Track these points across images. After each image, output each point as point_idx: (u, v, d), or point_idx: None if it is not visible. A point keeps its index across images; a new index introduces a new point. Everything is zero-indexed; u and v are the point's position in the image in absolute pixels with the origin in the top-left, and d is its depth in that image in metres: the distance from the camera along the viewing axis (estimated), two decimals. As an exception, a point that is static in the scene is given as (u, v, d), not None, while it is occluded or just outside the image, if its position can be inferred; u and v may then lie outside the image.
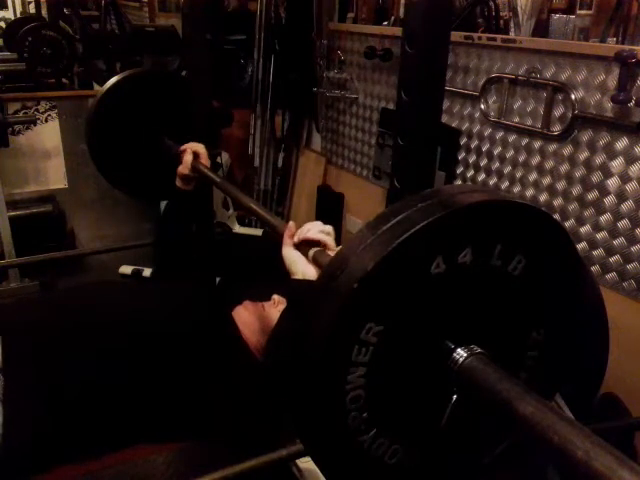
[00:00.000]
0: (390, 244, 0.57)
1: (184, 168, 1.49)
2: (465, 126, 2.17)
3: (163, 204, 1.95)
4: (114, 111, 1.82)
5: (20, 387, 1.09)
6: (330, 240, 1.03)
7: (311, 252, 1.02)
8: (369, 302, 0.59)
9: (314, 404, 0.63)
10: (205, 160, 1.51)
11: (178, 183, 1.52)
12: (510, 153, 2.01)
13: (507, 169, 2.03)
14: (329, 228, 1.05)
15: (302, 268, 1.01)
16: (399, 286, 0.60)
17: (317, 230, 1.03)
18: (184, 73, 2.72)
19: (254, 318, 1.34)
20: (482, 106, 2.06)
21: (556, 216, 1.87)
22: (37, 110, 2.79)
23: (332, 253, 0.99)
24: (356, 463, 0.67)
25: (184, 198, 1.56)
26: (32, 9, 4.47)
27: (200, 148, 1.52)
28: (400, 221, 0.59)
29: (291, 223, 1.06)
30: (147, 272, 2.72)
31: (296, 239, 1.03)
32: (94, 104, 1.83)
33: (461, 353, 0.64)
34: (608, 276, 1.73)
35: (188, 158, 1.48)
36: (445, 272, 0.61)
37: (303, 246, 1.04)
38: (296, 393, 0.64)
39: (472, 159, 2.17)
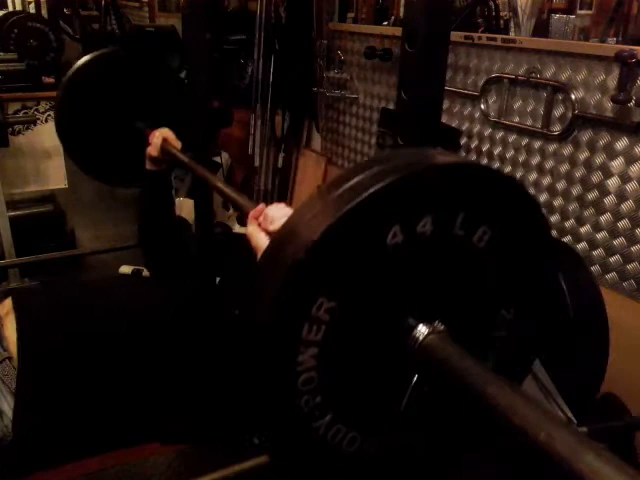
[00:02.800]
0: (340, 210, 0.52)
1: (153, 150, 1.51)
2: (465, 126, 2.17)
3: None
4: (84, 92, 1.79)
5: (27, 381, 1.09)
6: None
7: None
8: (318, 275, 0.54)
9: (262, 387, 0.57)
10: (174, 143, 1.53)
11: (147, 165, 1.55)
12: (510, 153, 2.01)
13: (507, 169, 2.03)
14: (290, 211, 1.00)
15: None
16: (352, 258, 0.55)
17: (280, 218, 0.97)
18: (184, 73, 2.72)
19: None
20: (482, 106, 2.06)
21: (556, 216, 1.87)
22: (37, 110, 2.79)
23: None
24: (312, 451, 0.62)
25: (155, 184, 1.56)
26: (32, 9, 4.47)
27: (169, 133, 1.54)
28: (353, 186, 0.54)
29: (261, 205, 1.03)
30: (147, 272, 2.72)
31: (262, 226, 1.00)
32: (64, 83, 1.80)
33: (422, 330, 0.58)
34: (608, 276, 1.73)
35: (157, 141, 1.51)
36: (403, 243, 0.56)
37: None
38: (244, 377, 0.58)
39: (472, 159, 2.17)
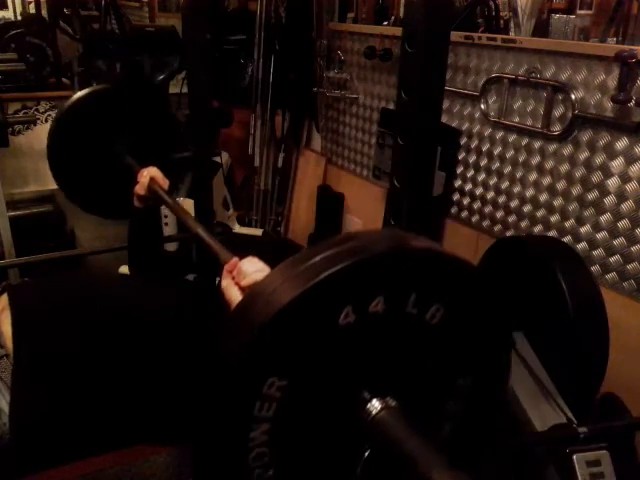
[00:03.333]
0: (291, 294, 0.54)
1: (140, 189, 1.54)
2: (465, 126, 2.17)
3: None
4: (77, 126, 1.83)
5: (24, 378, 1.09)
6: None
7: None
8: (268, 356, 0.56)
9: (215, 461, 0.59)
10: (161, 182, 1.55)
11: (135, 202, 1.57)
12: (510, 153, 2.01)
13: (507, 169, 2.03)
14: (263, 266, 1.01)
15: None
16: (303, 338, 0.57)
17: (252, 273, 0.99)
18: (184, 74, 2.72)
19: None
20: (482, 106, 2.05)
21: (556, 216, 1.87)
22: (37, 110, 2.79)
23: None
24: None
25: (143, 219, 1.59)
26: (32, 9, 4.46)
27: (156, 172, 1.56)
28: (307, 268, 0.57)
29: (235, 259, 1.04)
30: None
31: (235, 280, 1.01)
32: (55, 120, 1.85)
33: (375, 405, 0.60)
34: (608, 276, 1.72)
35: (144, 180, 1.53)
36: (355, 322, 0.58)
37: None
38: (196, 451, 0.60)
39: (472, 159, 2.17)
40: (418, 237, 0.65)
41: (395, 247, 0.60)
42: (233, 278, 1.02)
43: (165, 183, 1.56)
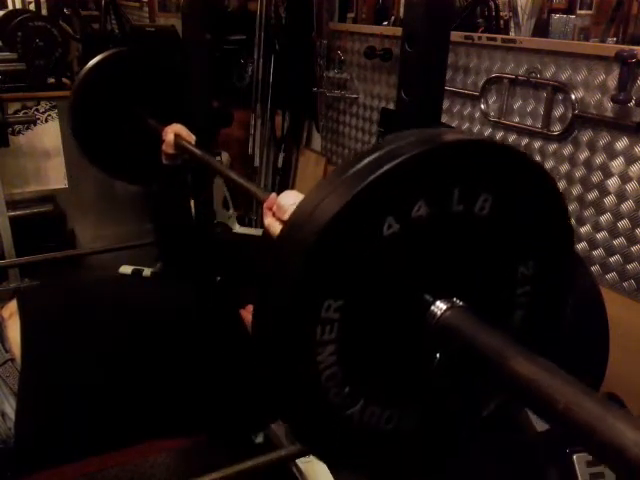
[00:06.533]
0: (327, 216, 0.52)
1: (167, 147, 1.52)
2: (465, 126, 2.17)
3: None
4: (97, 91, 1.82)
5: (30, 384, 1.09)
6: None
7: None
8: (319, 282, 0.54)
9: (289, 391, 0.59)
10: (188, 137, 1.52)
11: (164, 160, 1.55)
12: (510, 153, 2.01)
13: (507, 169, 2.03)
14: (300, 197, 0.98)
15: None
16: (349, 258, 0.55)
17: (291, 206, 0.97)
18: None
19: None
20: (482, 106, 2.05)
21: (556, 216, 1.87)
22: (37, 110, 2.79)
23: None
24: (351, 438, 0.63)
25: (172, 181, 1.57)
26: (32, 9, 4.47)
27: (181, 129, 1.54)
28: (341, 183, 0.54)
29: (272, 195, 1.03)
30: (147, 272, 2.72)
31: (276, 216, 1.00)
32: (76, 85, 1.83)
33: (440, 306, 0.58)
34: (608, 276, 1.72)
35: (170, 137, 1.51)
36: (400, 231, 0.55)
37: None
38: (269, 382, 0.60)
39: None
40: (446, 130, 0.62)
41: (424, 147, 0.56)
42: (274, 214, 1.00)
43: (191, 137, 1.53)
